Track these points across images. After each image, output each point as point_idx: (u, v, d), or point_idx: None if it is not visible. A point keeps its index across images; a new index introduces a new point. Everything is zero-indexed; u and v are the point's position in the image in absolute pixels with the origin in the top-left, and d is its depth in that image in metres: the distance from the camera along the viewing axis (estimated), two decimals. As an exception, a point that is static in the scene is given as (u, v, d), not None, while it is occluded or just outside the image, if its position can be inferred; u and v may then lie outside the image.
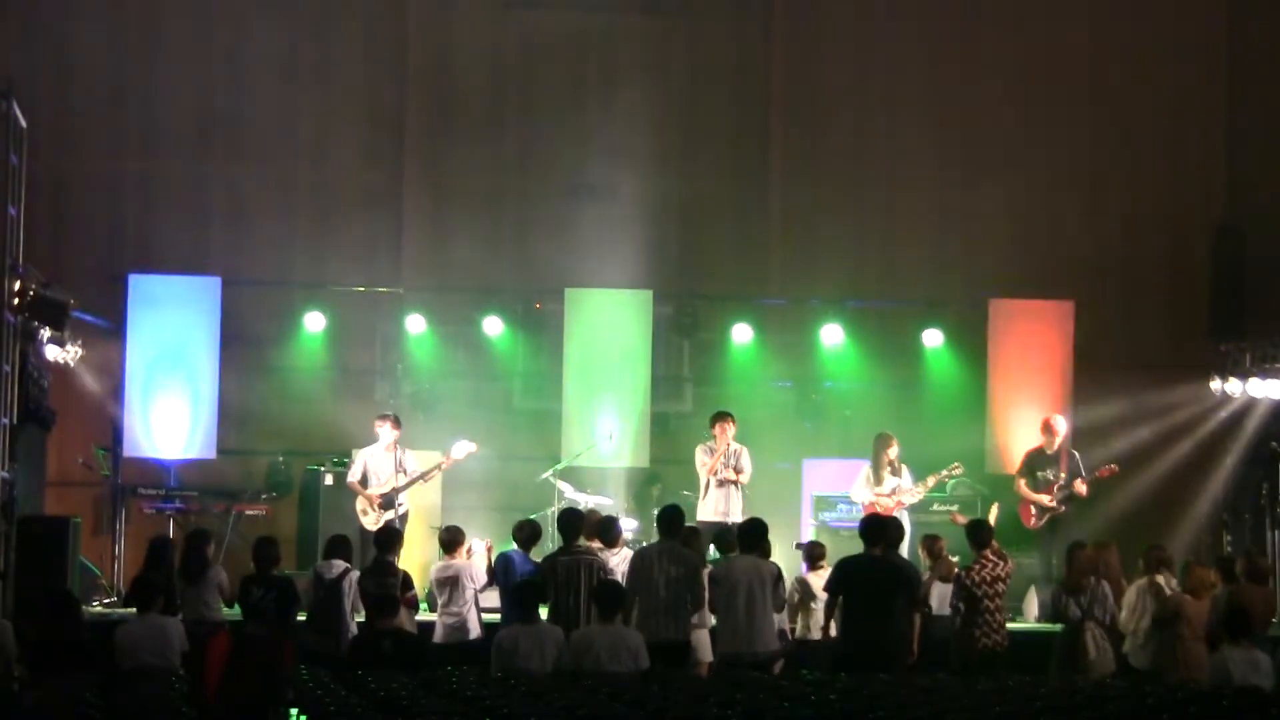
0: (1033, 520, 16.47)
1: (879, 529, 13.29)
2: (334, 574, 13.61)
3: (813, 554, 14.51)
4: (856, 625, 12.88)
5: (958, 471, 16.57)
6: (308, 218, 19.09)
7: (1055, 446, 16.58)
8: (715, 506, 15.86)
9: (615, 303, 17.95)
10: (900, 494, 16.14)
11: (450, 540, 13.92)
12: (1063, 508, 16.35)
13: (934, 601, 14.10)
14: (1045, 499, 16.33)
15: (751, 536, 13.14)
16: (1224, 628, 12.58)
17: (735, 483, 15.99)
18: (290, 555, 16.24)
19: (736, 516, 15.48)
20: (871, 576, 12.90)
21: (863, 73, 19.83)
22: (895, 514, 15.39)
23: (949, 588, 13.90)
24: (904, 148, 19.73)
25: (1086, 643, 13.66)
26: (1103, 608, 13.75)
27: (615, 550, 13.74)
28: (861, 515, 15.28)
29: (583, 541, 13.44)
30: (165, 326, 17.32)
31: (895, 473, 16.28)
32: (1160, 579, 13.82)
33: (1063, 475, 16.38)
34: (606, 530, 13.88)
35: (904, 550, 14.32)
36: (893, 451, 16.29)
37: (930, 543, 14.42)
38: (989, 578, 13.53)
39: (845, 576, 13.02)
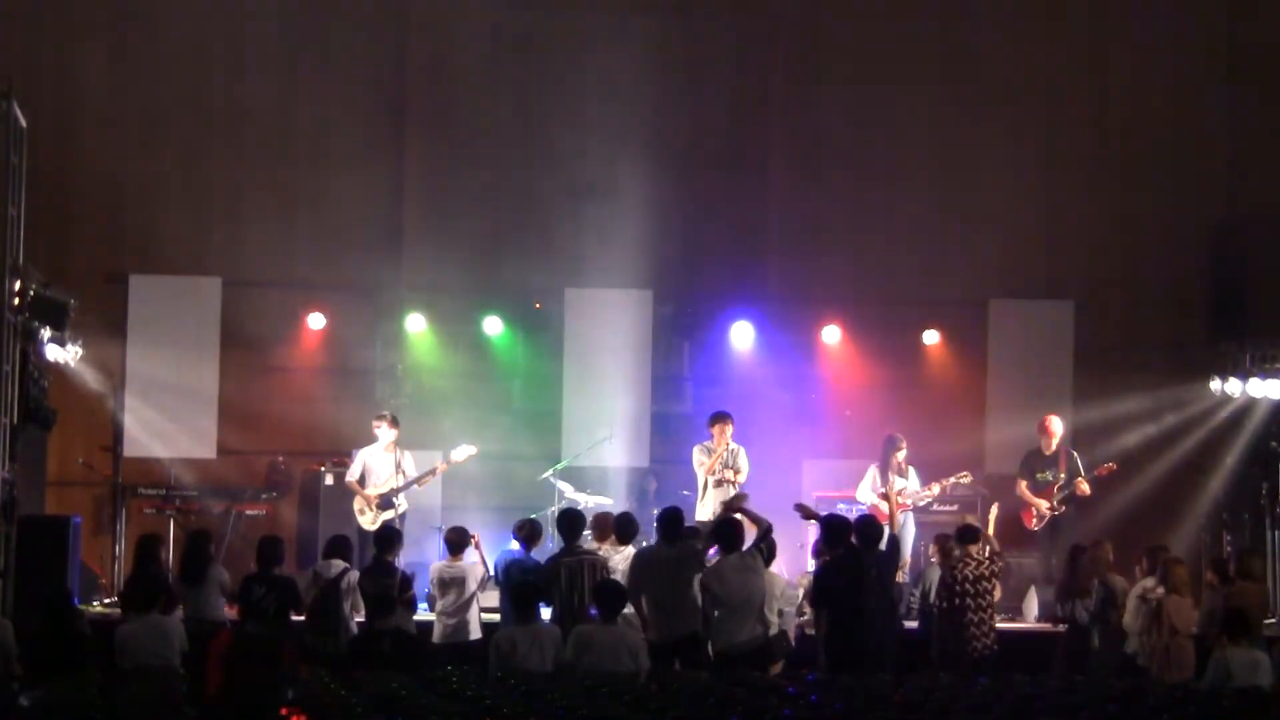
0: (1034, 522, 16.47)
1: (842, 531, 13.26)
2: (332, 574, 13.62)
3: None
4: (835, 630, 12.89)
5: (965, 480, 16.52)
6: (308, 218, 19.09)
7: (1053, 447, 16.56)
8: (713, 506, 15.85)
9: (615, 303, 17.95)
10: (906, 496, 16.15)
11: (457, 541, 13.90)
12: (1063, 508, 16.34)
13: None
14: (1044, 503, 16.30)
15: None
16: (1223, 628, 12.58)
17: (732, 483, 15.99)
18: (290, 555, 16.21)
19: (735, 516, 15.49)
20: (845, 580, 12.88)
21: (863, 73, 19.81)
22: (900, 515, 15.37)
23: None
24: (904, 148, 19.72)
25: (1095, 643, 13.69)
26: (1105, 607, 13.76)
27: (621, 549, 13.74)
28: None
29: (584, 543, 13.46)
30: (165, 326, 17.32)
31: (902, 474, 16.29)
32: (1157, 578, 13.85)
33: (1062, 476, 16.37)
34: (623, 528, 13.88)
35: (906, 550, 14.33)
36: (901, 454, 16.32)
37: (943, 541, 14.41)
38: (971, 575, 13.52)
39: (824, 583, 13.02)
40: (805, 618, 14.22)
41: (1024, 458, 16.78)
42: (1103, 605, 13.94)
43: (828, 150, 19.69)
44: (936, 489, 16.36)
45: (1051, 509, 16.30)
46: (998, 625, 13.98)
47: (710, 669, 12.75)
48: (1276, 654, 12.75)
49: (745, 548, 12.94)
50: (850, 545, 13.00)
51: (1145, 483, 18.07)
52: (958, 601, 13.49)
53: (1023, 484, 16.54)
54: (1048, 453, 16.55)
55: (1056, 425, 16.69)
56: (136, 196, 18.94)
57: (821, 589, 13.03)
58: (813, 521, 14.21)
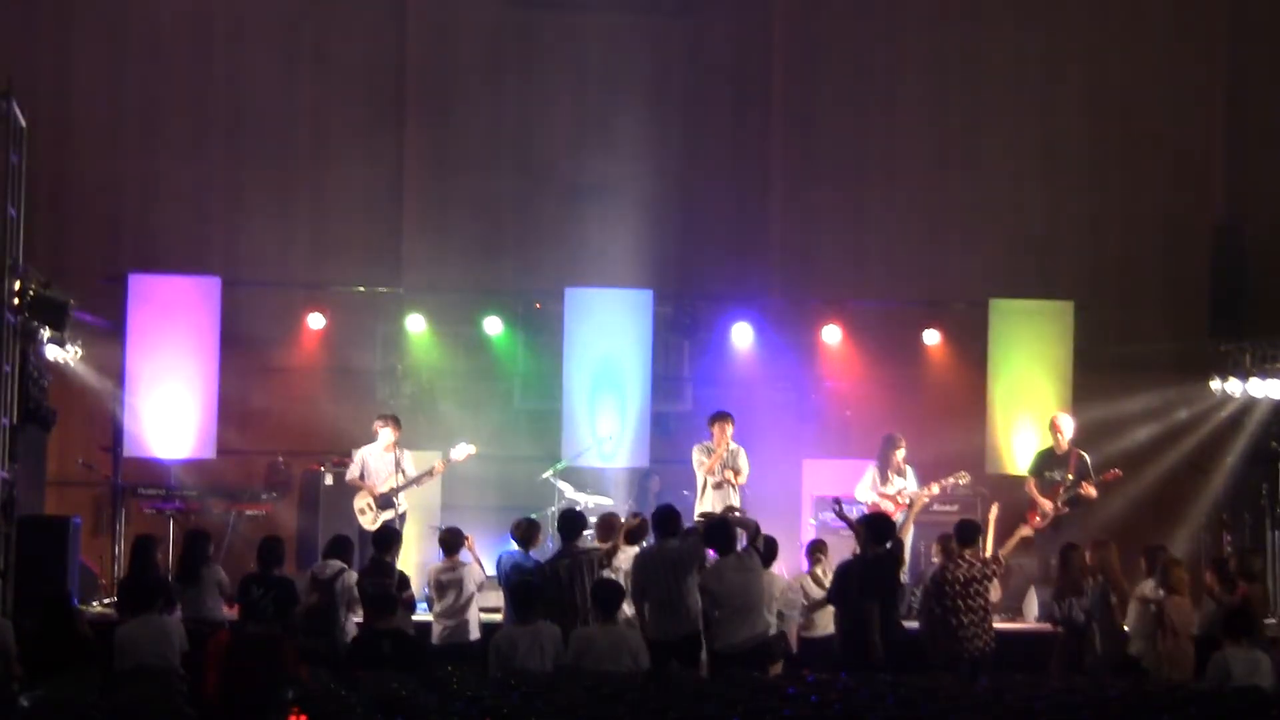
0: (1037, 520, 16.44)
1: (888, 527, 13.35)
2: (328, 574, 13.61)
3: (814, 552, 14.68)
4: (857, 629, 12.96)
5: (964, 479, 16.49)
6: (308, 218, 19.10)
7: (1064, 446, 16.52)
8: (712, 506, 15.83)
9: (615, 303, 17.94)
10: (905, 496, 16.13)
11: (452, 541, 13.91)
12: (1066, 509, 16.31)
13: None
14: (1048, 503, 16.27)
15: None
16: (1224, 628, 12.58)
17: (732, 484, 15.98)
18: (290, 555, 16.22)
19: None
20: (883, 577, 12.98)
21: (863, 73, 19.83)
22: (898, 515, 15.39)
23: None
24: (904, 148, 19.74)
25: (1096, 643, 13.67)
26: (1106, 607, 13.74)
27: (628, 549, 13.73)
28: (864, 514, 15.23)
29: (585, 542, 13.45)
30: (165, 326, 17.30)
31: (900, 474, 16.28)
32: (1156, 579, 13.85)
33: (1069, 477, 16.33)
34: (633, 532, 13.85)
35: (905, 550, 14.34)
36: (900, 453, 16.29)
37: (946, 541, 14.40)
38: (961, 577, 13.50)
39: (845, 579, 13.05)
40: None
41: (1036, 456, 16.76)
42: (1102, 604, 13.91)
43: (828, 150, 19.71)
44: (935, 489, 16.35)
45: (1056, 509, 16.27)
46: (996, 626, 13.95)
47: (707, 669, 12.78)
48: (1277, 654, 12.73)
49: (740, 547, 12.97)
50: (896, 541, 13.16)
51: (1145, 482, 18.06)
52: (949, 603, 13.48)
53: (1031, 481, 16.52)
54: (1059, 452, 16.52)
55: (1065, 424, 16.64)
56: (136, 196, 18.97)
57: (854, 585, 13.04)
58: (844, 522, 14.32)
